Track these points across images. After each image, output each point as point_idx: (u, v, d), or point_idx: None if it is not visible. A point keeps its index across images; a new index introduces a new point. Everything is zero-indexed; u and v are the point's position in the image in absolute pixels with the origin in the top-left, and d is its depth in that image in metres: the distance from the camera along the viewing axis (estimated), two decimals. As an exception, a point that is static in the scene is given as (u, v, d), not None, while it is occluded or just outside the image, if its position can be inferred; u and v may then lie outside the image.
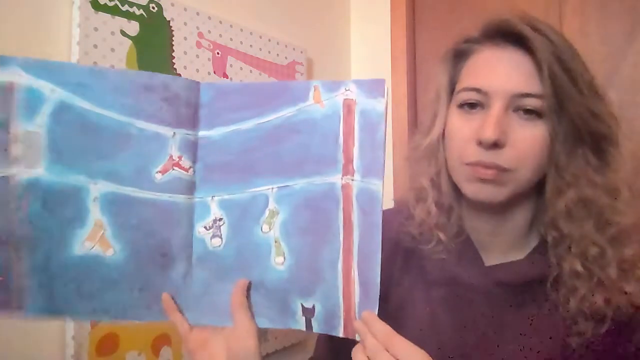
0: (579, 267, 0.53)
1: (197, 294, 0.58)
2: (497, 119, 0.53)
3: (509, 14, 0.56)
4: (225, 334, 0.57)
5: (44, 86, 0.54)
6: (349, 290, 0.53)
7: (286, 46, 1.31)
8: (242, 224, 0.58)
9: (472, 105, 0.56)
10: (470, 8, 1.38)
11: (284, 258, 0.56)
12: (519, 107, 0.54)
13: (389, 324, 0.63)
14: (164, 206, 0.57)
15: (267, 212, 0.57)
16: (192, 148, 0.58)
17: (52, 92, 0.54)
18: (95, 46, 0.89)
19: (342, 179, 0.54)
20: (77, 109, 0.55)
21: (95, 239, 0.56)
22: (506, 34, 0.56)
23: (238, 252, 0.58)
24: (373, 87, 0.53)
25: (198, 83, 0.59)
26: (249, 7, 1.25)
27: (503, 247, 0.60)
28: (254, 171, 0.58)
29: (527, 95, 0.53)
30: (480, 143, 0.54)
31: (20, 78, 0.53)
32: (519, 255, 0.60)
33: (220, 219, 0.58)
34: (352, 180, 0.53)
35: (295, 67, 1.34)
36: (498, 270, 0.60)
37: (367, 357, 0.48)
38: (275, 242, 0.57)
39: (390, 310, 0.64)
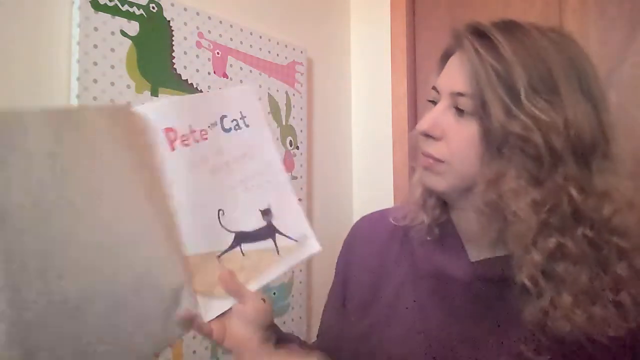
0: (528, 283, 0.53)
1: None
2: (434, 113, 0.58)
3: (474, 19, 0.59)
4: (237, 311, 0.58)
5: None
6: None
7: (286, 46, 1.31)
8: None
9: (433, 102, 0.62)
10: (469, 8, 1.39)
11: None
12: (455, 105, 0.57)
13: (383, 317, 0.65)
14: None
15: None
16: None
17: None
18: (95, 46, 0.89)
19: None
20: None
21: None
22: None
23: None
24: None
25: None
26: (249, 7, 1.25)
27: (491, 242, 0.60)
28: None
29: (459, 94, 0.57)
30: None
31: None
32: (507, 251, 0.60)
33: None
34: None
35: (295, 67, 1.34)
36: (481, 265, 0.61)
37: None
38: None
39: (384, 304, 0.66)
